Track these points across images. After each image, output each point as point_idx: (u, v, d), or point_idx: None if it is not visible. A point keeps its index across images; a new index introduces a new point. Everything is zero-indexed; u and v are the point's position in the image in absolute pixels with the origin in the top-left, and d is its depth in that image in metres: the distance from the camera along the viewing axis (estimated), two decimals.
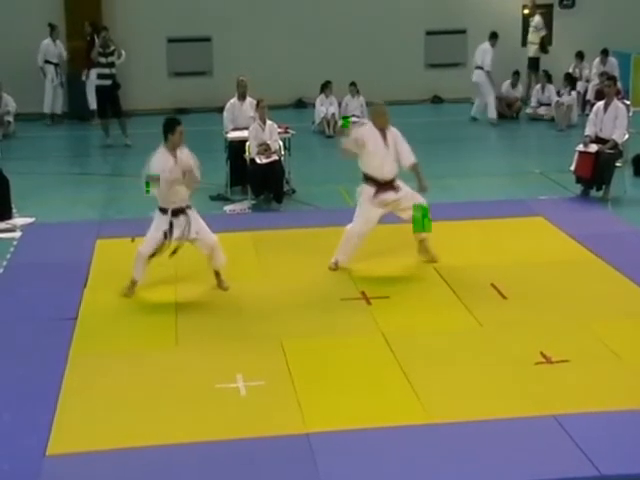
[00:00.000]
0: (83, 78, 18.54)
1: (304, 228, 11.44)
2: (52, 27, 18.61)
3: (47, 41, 18.68)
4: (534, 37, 20.28)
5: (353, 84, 18.23)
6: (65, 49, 19.05)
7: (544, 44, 20.28)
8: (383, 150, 9.80)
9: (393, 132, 9.97)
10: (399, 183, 9.95)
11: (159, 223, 9.16)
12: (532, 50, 20.37)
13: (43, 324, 8.65)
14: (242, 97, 13.93)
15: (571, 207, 12.41)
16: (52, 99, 18.86)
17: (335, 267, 9.97)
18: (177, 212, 9.15)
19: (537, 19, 20.24)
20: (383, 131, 9.89)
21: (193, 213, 9.26)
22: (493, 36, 18.97)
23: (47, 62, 18.73)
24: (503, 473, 6.18)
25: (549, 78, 19.08)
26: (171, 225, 9.10)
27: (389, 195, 9.87)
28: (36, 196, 13.34)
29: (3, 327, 8.64)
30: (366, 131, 9.94)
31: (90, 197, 13.55)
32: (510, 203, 12.44)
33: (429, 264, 10.03)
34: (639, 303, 8.97)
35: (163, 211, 9.17)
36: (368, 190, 9.86)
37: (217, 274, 9.46)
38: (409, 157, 9.92)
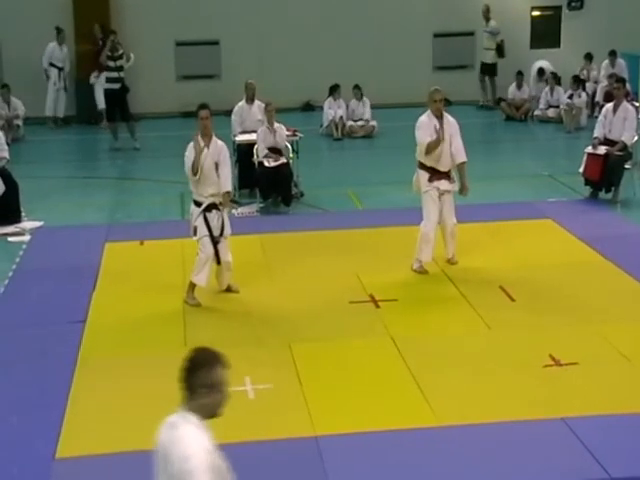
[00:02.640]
0: (91, 81, 18.55)
1: (312, 231, 11.44)
2: (58, 30, 18.61)
3: (53, 44, 18.69)
4: (490, 42, 19.97)
5: (357, 87, 18.15)
6: (73, 53, 19.09)
7: (502, 49, 20.07)
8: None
9: (451, 122, 9.82)
10: (454, 176, 9.88)
11: (200, 227, 9.03)
12: (488, 56, 20.03)
13: (52, 327, 8.67)
14: (250, 100, 13.95)
15: (580, 209, 12.38)
16: (54, 102, 18.89)
17: (422, 269, 9.88)
18: (210, 207, 9.05)
19: (492, 24, 19.95)
20: (440, 119, 9.74)
21: (225, 214, 9.19)
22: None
23: (52, 65, 18.77)
24: (512, 475, 6.17)
25: (557, 80, 19.03)
26: (206, 220, 9.00)
27: (443, 183, 9.75)
28: (45, 200, 13.37)
29: (12, 330, 8.66)
30: (425, 118, 9.77)
31: (99, 201, 13.57)
32: (519, 206, 12.42)
33: (437, 267, 10.00)
34: None
35: (197, 204, 9.07)
36: (423, 176, 9.75)
37: (227, 288, 9.41)
38: (461, 154, 9.81)
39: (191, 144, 9.06)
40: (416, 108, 19.53)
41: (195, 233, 9.11)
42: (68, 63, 18.91)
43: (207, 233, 9.04)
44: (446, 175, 9.81)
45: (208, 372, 4.04)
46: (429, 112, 9.80)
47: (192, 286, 9.15)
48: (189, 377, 4.08)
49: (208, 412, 4.09)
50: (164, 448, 4.03)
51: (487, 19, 19.96)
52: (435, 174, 9.75)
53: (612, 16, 20.55)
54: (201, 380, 4.04)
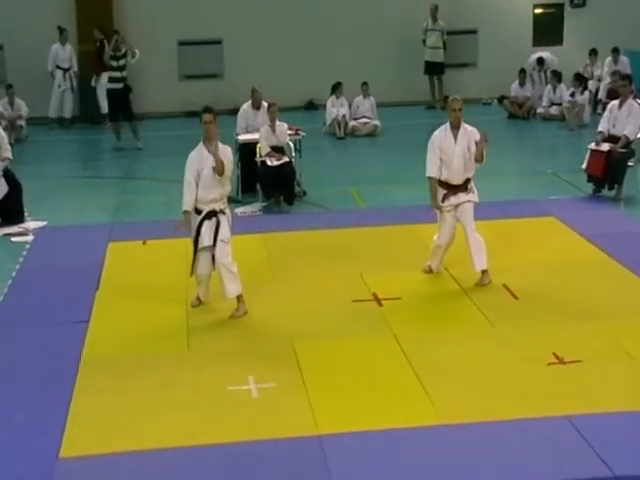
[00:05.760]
0: (92, 83, 18.54)
1: (315, 230, 11.44)
2: (61, 30, 18.61)
3: (56, 46, 18.70)
4: (438, 41, 19.84)
5: (365, 84, 18.17)
6: (76, 53, 19.11)
7: (445, 47, 19.94)
8: (452, 153, 9.31)
9: (468, 131, 9.36)
10: (472, 185, 9.53)
11: (195, 239, 8.78)
12: (439, 55, 19.86)
13: (55, 327, 8.68)
14: (257, 108, 13.75)
15: (583, 207, 12.38)
16: (59, 104, 18.88)
17: (430, 270, 9.80)
18: (210, 215, 8.77)
19: (441, 23, 19.86)
20: (456, 129, 9.35)
21: (224, 219, 8.81)
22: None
23: (57, 67, 18.77)
24: (516, 474, 6.16)
25: (559, 78, 19.02)
26: (199, 232, 8.71)
27: (459, 196, 9.45)
28: (48, 200, 13.39)
29: (15, 330, 8.67)
30: (438, 135, 9.40)
31: (102, 200, 13.58)
32: (521, 203, 12.40)
33: (440, 266, 9.97)
34: None
35: (197, 212, 8.78)
36: (439, 192, 9.42)
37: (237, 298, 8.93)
38: (470, 167, 9.43)
39: (195, 151, 8.83)
40: (420, 106, 19.85)
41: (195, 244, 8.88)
42: (75, 62, 18.92)
43: (194, 248, 8.81)
44: (461, 188, 9.47)
45: None
46: (447, 124, 9.41)
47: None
48: None
49: None
50: None
51: (435, 18, 19.87)
52: (450, 189, 9.43)
53: (614, 13, 20.56)
54: None
